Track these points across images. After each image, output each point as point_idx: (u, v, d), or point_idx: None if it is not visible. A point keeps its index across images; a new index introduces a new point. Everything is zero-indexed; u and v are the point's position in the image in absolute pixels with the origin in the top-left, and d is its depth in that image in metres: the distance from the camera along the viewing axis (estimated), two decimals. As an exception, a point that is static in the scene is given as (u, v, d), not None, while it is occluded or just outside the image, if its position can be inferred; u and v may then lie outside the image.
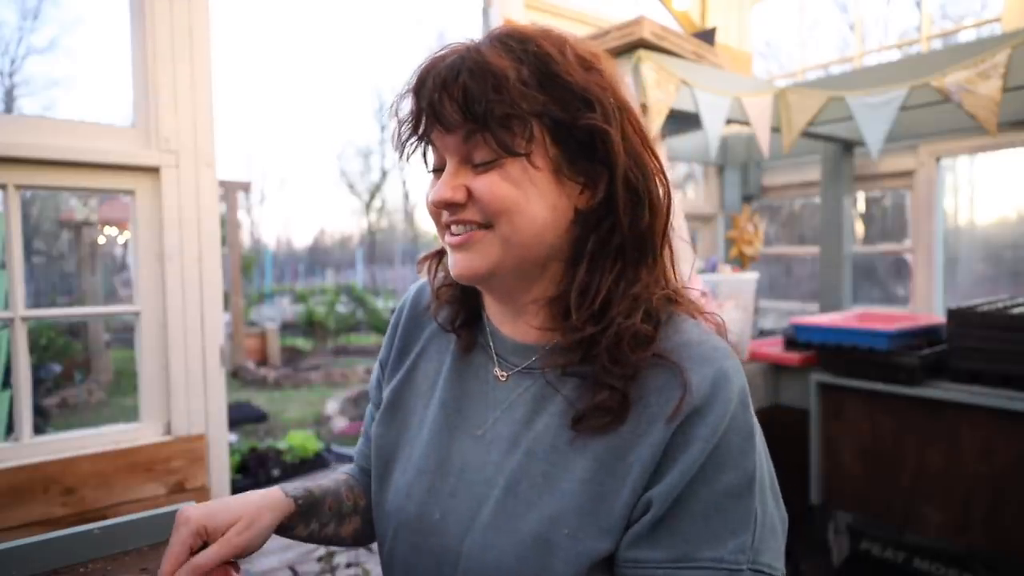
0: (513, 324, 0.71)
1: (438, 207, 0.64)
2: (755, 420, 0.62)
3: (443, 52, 0.63)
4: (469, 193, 0.62)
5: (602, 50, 0.68)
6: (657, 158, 0.66)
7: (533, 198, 0.62)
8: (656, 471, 0.59)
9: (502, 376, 0.71)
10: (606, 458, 0.61)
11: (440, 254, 0.77)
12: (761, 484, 0.61)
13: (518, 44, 0.61)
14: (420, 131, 0.64)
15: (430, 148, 0.66)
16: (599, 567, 0.60)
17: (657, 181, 0.65)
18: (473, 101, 0.58)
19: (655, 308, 0.64)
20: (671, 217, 0.67)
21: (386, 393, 0.80)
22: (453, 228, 0.64)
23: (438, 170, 0.66)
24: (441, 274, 0.77)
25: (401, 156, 0.67)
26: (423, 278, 0.80)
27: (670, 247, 0.68)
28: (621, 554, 0.60)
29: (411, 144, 0.66)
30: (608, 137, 0.61)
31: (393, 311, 0.87)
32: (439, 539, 0.66)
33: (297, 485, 0.76)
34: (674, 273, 0.69)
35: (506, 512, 0.63)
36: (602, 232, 0.64)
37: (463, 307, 0.75)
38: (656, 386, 0.60)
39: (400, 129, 0.65)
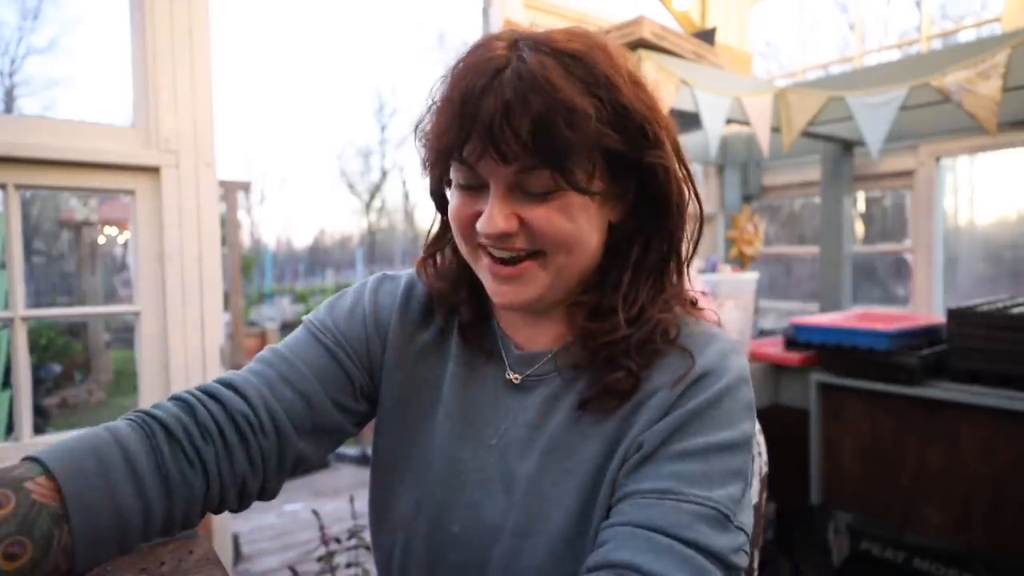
0: (526, 331, 0.70)
1: (491, 239, 0.59)
2: (753, 399, 0.63)
3: (489, 56, 0.56)
4: (521, 222, 0.59)
5: (642, 71, 0.66)
6: (690, 175, 0.66)
7: (586, 228, 0.60)
8: (652, 423, 0.60)
9: (516, 379, 0.69)
10: (613, 436, 0.61)
11: (437, 252, 0.74)
12: (752, 454, 0.62)
13: (583, 69, 0.56)
14: (463, 151, 0.57)
15: (458, 166, 0.60)
16: None
17: (687, 190, 0.65)
18: (547, 136, 0.54)
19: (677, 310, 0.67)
20: (699, 233, 0.68)
21: (384, 398, 0.74)
22: (496, 253, 0.61)
23: (469, 187, 0.61)
24: (446, 269, 0.73)
25: (425, 173, 0.64)
26: (422, 280, 0.75)
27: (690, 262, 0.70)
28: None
29: (441, 164, 0.61)
30: (668, 172, 0.61)
31: (386, 285, 0.77)
32: (461, 553, 0.65)
33: None
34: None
35: (533, 515, 0.62)
36: (641, 243, 0.65)
37: (475, 304, 0.72)
38: (662, 366, 0.62)
39: (429, 144, 0.60)
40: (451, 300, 0.72)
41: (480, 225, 0.59)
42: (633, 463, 0.58)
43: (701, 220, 0.67)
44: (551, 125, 0.53)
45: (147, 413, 0.62)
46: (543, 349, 0.69)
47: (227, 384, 0.66)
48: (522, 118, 0.53)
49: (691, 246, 0.68)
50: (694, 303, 0.69)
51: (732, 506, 0.55)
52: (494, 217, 0.58)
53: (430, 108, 0.61)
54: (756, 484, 0.81)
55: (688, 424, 0.58)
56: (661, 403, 0.60)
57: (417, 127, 0.64)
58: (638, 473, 0.57)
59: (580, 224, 0.60)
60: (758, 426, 0.80)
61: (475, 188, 0.60)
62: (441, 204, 0.71)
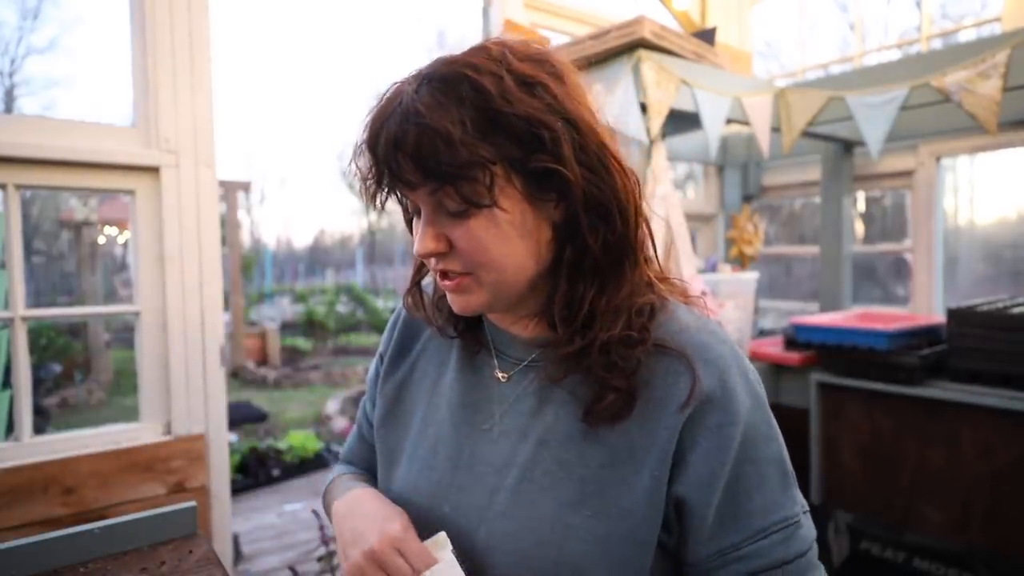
0: (515, 326, 0.73)
1: (424, 259, 0.65)
2: (762, 388, 0.66)
3: (389, 98, 0.61)
4: (449, 243, 0.63)
5: (544, 49, 0.65)
6: (618, 160, 0.64)
7: (512, 238, 0.62)
8: (677, 462, 0.61)
9: (503, 377, 0.72)
10: (620, 445, 0.62)
11: (420, 280, 0.79)
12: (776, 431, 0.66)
13: (452, 88, 0.58)
14: (384, 186, 0.63)
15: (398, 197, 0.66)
16: (616, 547, 0.61)
17: (621, 181, 0.63)
18: (427, 161, 0.58)
19: (643, 304, 0.65)
20: (642, 203, 0.66)
21: (387, 390, 0.81)
22: (441, 273, 0.66)
23: (412, 216, 0.67)
24: (430, 294, 0.78)
25: (373, 207, 0.67)
26: (413, 312, 0.79)
27: (648, 227, 0.67)
28: (703, 552, 0.62)
29: (381, 195, 0.65)
30: (560, 163, 0.60)
31: (394, 310, 0.87)
32: (451, 533, 0.67)
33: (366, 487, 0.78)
34: (656, 254, 0.71)
35: (521, 499, 0.64)
36: (576, 247, 0.63)
37: (457, 320, 0.76)
38: (660, 372, 0.63)
39: (365, 184, 0.64)
40: (440, 312, 0.76)
41: (415, 248, 0.65)
42: (710, 519, 0.61)
43: (640, 193, 0.66)
44: (426, 149, 0.57)
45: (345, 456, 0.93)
46: (528, 338, 0.71)
47: (347, 451, 0.92)
48: (405, 149, 0.58)
49: (647, 236, 0.67)
50: (664, 279, 0.70)
51: (797, 505, 0.64)
52: (423, 239, 0.63)
53: (355, 153, 0.65)
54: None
55: (737, 461, 0.61)
56: (671, 425, 0.61)
57: (352, 172, 0.67)
58: (722, 528, 0.62)
59: (503, 233, 0.61)
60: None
61: (416, 216, 0.66)
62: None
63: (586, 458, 0.63)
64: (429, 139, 0.57)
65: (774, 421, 0.66)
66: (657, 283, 0.68)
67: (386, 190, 0.64)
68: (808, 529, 0.65)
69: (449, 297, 0.68)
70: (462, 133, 0.57)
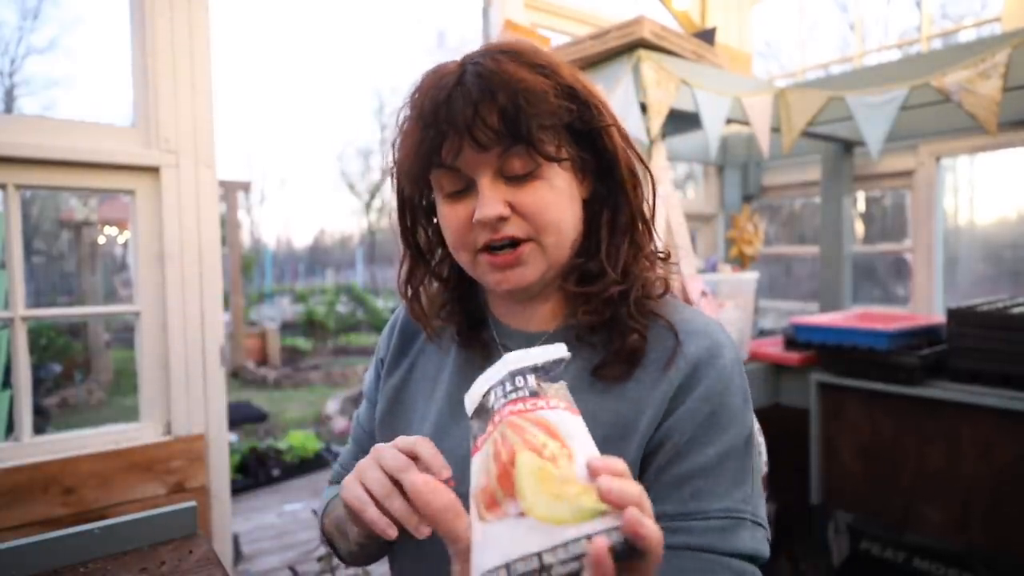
0: (521, 315, 0.74)
1: (487, 224, 0.64)
2: (747, 385, 0.68)
3: (442, 75, 0.63)
4: (512, 208, 0.64)
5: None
6: (635, 149, 0.72)
7: (565, 201, 0.66)
8: (660, 426, 0.64)
9: None
10: (621, 406, 0.65)
11: (419, 287, 0.77)
12: (754, 444, 0.66)
13: (526, 57, 0.64)
14: (441, 156, 0.63)
15: (441, 174, 0.65)
16: None
17: (632, 157, 0.72)
18: (515, 116, 0.60)
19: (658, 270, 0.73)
20: (650, 194, 0.74)
21: (387, 390, 0.81)
22: (493, 247, 0.65)
23: (457, 193, 0.66)
24: (429, 303, 0.78)
25: (409, 190, 0.69)
26: (413, 316, 0.79)
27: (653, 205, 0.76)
28: None
29: (421, 176, 0.66)
30: (612, 134, 0.68)
31: (394, 310, 0.87)
32: None
33: None
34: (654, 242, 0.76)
35: None
36: (612, 210, 0.70)
37: (464, 314, 0.77)
38: (654, 341, 0.67)
39: (408, 163, 0.65)
40: (447, 312, 0.78)
41: (477, 214, 0.63)
42: (652, 474, 0.63)
43: (653, 184, 0.74)
44: (516, 106, 0.60)
45: (339, 473, 0.87)
46: (537, 330, 0.73)
47: (343, 467, 0.87)
48: (490, 107, 0.60)
49: (651, 206, 0.74)
50: (666, 257, 0.75)
51: (748, 505, 0.62)
52: (488, 203, 0.63)
53: (396, 138, 0.67)
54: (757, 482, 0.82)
55: (698, 439, 0.62)
56: (662, 390, 0.64)
57: (392, 158, 0.69)
58: (660, 494, 0.61)
59: (561, 197, 0.66)
60: (757, 425, 0.82)
61: (462, 193, 0.66)
62: (410, 241, 0.76)
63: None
64: (522, 94, 0.60)
65: (750, 412, 0.66)
66: (665, 254, 0.75)
67: (435, 163, 0.64)
68: (756, 541, 0.61)
69: (497, 278, 0.67)
70: (545, 88, 0.62)
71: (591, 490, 0.39)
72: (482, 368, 0.74)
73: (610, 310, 0.68)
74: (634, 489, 0.39)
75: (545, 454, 0.40)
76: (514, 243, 0.65)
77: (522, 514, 0.38)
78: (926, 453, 2.01)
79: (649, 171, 0.73)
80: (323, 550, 2.90)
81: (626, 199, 0.70)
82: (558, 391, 0.45)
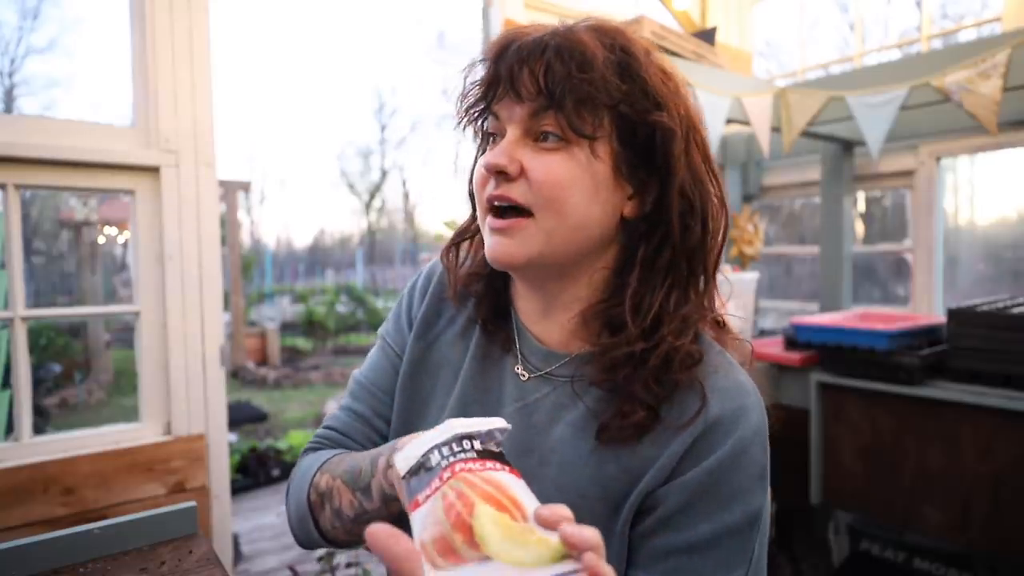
0: (543, 323, 0.69)
1: (489, 171, 0.61)
2: (768, 461, 0.61)
3: (529, 28, 0.63)
4: (523, 170, 0.60)
5: (678, 73, 0.67)
6: (719, 184, 0.65)
7: (587, 188, 0.60)
8: (659, 485, 0.59)
9: (523, 375, 0.69)
10: (627, 463, 0.60)
11: (462, 242, 0.75)
12: (763, 525, 0.60)
13: (605, 35, 0.62)
14: (489, 99, 0.62)
15: (490, 119, 0.64)
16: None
17: (715, 203, 0.64)
18: (554, 75, 0.58)
19: (701, 331, 0.64)
20: (724, 244, 0.65)
21: (413, 354, 0.76)
22: (496, 207, 0.62)
23: (492, 138, 0.65)
24: (468, 262, 0.75)
25: (460, 123, 0.67)
26: (442, 264, 0.77)
27: (715, 276, 0.66)
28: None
29: (473, 113, 0.65)
30: (672, 138, 0.60)
31: (420, 275, 0.82)
32: None
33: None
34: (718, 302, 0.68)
35: None
36: (653, 242, 0.62)
37: (491, 298, 0.73)
38: (675, 402, 0.60)
39: (466, 94, 0.65)
40: (478, 283, 0.73)
41: (484, 157, 0.63)
42: (636, 537, 0.59)
43: (726, 226, 0.65)
44: (562, 66, 0.58)
45: (326, 438, 0.77)
46: (556, 349, 0.68)
47: (339, 431, 0.77)
48: (538, 59, 0.59)
49: (717, 253, 0.64)
50: (722, 324, 0.66)
51: None
52: (499, 152, 0.61)
53: (465, 84, 0.66)
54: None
55: (697, 513, 0.57)
56: (675, 451, 0.59)
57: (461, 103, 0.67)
58: (648, 565, 0.58)
59: (580, 180, 0.60)
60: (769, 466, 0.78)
61: (495, 140, 0.64)
62: (471, 192, 0.73)
63: (587, 479, 0.61)
64: (570, 53, 0.58)
65: (763, 493, 0.60)
66: (720, 318, 0.67)
67: (483, 108, 0.63)
68: None
69: (491, 243, 0.63)
70: (604, 61, 0.59)
71: (550, 537, 0.41)
72: (499, 368, 0.72)
73: (624, 371, 0.60)
74: (594, 535, 0.40)
75: (504, 505, 0.42)
76: (517, 214, 0.61)
77: (487, 559, 0.39)
78: (926, 453, 2.01)
79: (726, 207, 0.64)
80: (323, 550, 2.90)
81: (672, 230, 0.61)
82: (500, 456, 0.48)
